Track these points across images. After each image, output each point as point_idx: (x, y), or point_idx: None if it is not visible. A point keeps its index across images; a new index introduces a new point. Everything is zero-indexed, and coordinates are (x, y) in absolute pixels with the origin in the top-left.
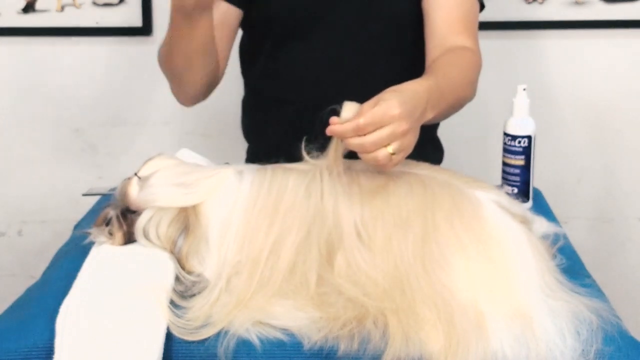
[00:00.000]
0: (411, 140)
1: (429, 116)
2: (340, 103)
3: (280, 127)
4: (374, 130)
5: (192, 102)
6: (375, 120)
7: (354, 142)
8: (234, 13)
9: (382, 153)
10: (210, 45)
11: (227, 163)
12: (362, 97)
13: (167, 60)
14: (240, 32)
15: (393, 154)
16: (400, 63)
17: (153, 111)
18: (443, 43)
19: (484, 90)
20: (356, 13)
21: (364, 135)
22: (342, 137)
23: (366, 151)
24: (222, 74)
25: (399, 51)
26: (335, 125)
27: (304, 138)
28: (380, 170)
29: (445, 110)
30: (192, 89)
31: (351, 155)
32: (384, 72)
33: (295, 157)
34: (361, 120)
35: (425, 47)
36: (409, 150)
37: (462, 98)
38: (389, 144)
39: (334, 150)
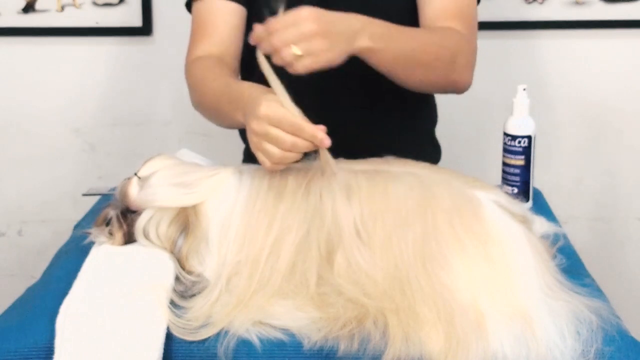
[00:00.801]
0: (322, 44)
1: (362, 42)
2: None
3: None
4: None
5: None
6: (284, 20)
7: (266, 45)
8: (241, 12)
9: (286, 51)
10: None
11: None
12: (360, 93)
13: (201, 104)
14: None
15: (300, 55)
16: None
17: (153, 111)
18: (431, 25)
19: (484, 90)
20: (354, 10)
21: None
22: (259, 41)
23: (274, 49)
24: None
25: None
26: (252, 35)
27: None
28: (293, 72)
29: (399, 55)
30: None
31: (348, 155)
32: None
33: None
34: (273, 22)
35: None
36: (321, 56)
37: (434, 59)
38: (296, 43)
39: (323, 152)
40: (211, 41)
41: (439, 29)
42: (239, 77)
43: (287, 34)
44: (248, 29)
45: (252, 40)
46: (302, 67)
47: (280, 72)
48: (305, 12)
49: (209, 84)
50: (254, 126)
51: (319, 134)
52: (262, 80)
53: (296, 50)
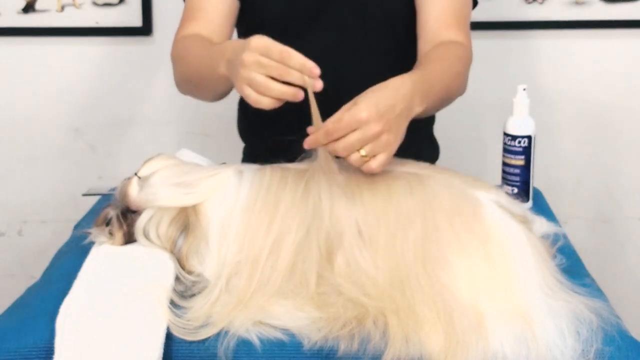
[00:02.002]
0: (388, 140)
1: (417, 110)
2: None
3: (276, 127)
4: (345, 135)
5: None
6: (343, 125)
7: (329, 149)
8: (233, 3)
9: (354, 156)
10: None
11: (223, 163)
12: (359, 88)
13: (184, 79)
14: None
15: (365, 156)
16: (395, 60)
17: (153, 111)
18: (434, 38)
19: (484, 90)
20: (352, 11)
21: (337, 139)
22: (317, 145)
23: (340, 155)
24: None
25: (394, 48)
26: (309, 136)
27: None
28: (368, 172)
29: (435, 102)
30: (212, 98)
31: None
32: (380, 69)
33: (293, 157)
34: (330, 126)
35: (417, 43)
36: (389, 150)
37: (452, 90)
38: (360, 148)
39: (323, 152)
40: (200, 24)
41: (450, 52)
42: None
43: (350, 141)
44: (242, 29)
45: (307, 145)
46: (377, 165)
47: None
48: (364, 113)
49: (191, 50)
50: (244, 57)
51: (309, 62)
52: None
53: (362, 152)
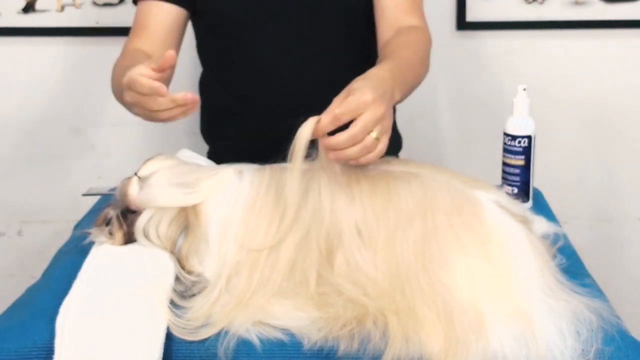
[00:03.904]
0: (389, 123)
1: (397, 98)
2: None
3: (241, 126)
4: (351, 120)
5: None
6: (351, 107)
7: (343, 138)
8: (179, 13)
9: (369, 139)
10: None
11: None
12: (320, 85)
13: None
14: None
15: (377, 138)
16: (354, 48)
17: None
18: (393, 24)
19: (484, 90)
20: (310, 9)
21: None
22: (323, 132)
23: (357, 140)
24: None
25: (352, 37)
26: (315, 126)
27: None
28: (370, 159)
29: (408, 89)
30: None
31: None
32: (339, 58)
33: (260, 157)
34: (337, 110)
35: (376, 30)
36: (389, 133)
37: (420, 76)
38: (372, 130)
39: (324, 152)
40: (143, 40)
41: (413, 38)
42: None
43: (366, 121)
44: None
45: (314, 135)
46: (381, 149)
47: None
48: (369, 95)
49: (117, 70)
50: (125, 97)
51: (153, 86)
52: (221, 68)
53: (374, 134)
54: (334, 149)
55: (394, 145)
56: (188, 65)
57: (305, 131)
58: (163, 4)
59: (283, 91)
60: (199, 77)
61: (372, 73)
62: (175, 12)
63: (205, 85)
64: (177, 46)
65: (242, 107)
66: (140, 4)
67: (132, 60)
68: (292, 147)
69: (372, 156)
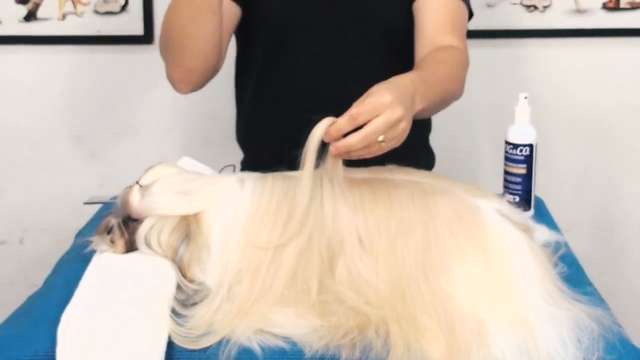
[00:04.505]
0: (405, 128)
1: (418, 107)
2: (337, 110)
3: (277, 133)
4: (368, 120)
5: (189, 86)
6: (368, 108)
7: (355, 139)
8: (234, 10)
9: (376, 145)
10: (215, 5)
11: (232, 165)
12: (357, 98)
13: (169, 27)
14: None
15: (382, 141)
16: (393, 65)
17: (154, 119)
18: (431, 43)
19: (485, 99)
20: (351, 17)
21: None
22: (339, 133)
23: (369, 142)
24: (222, 62)
25: (392, 53)
26: (331, 126)
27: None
28: (358, 157)
29: (433, 103)
30: (192, 61)
31: (350, 163)
32: (378, 74)
33: (294, 165)
34: (354, 110)
35: (414, 48)
36: (402, 138)
37: (450, 92)
38: (384, 133)
39: (332, 157)
40: None
41: (447, 55)
42: (221, 64)
43: (379, 124)
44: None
45: (327, 138)
46: (381, 152)
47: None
48: (388, 98)
49: (176, 8)
50: None
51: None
52: (260, 80)
53: (380, 137)
54: (347, 150)
55: (427, 164)
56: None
57: (318, 131)
58: None
59: (320, 102)
60: (233, 89)
61: (394, 79)
62: (231, 9)
63: (243, 93)
64: (227, 44)
65: (279, 116)
66: None
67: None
68: (305, 147)
69: (366, 153)
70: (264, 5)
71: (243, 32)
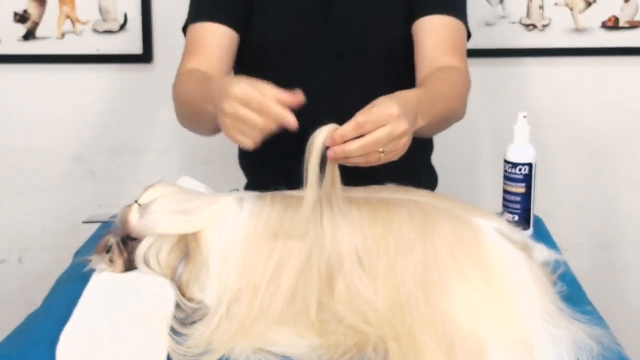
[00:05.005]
0: (406, 142)
1: (420, 124)
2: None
3: (278, 159)
4: (373, 130)
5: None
6: (374, 117)
7: (354, 146)
8: (233, 36)
9: (375, 155)
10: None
11: (236, 189)
12: None
13: (182, 102)
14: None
15: (382, 152)
16: (392, 88)
17: (153, 138)
18: (432, 63)
19: (483, 117)
20: (349, 42)
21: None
22: (342, 139)
23: (368, 150)
24: None
25: (391, 76)
26: (335, 132)
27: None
28: (354, 164)
29: (435, 121)
30: (209, 131)
31: (349, 182)
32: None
33: (293, 185)
34: (360, 118)
35: (415, 70)
36: (401, 153)
37: (452, 112)
38: (387, 144)
39: (331, 176)
40: (200, 59)
41: (449, 75)
42: None
43: (381, 135)
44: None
45: (330, 142)
46: (378, 161)
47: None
48: (395, 109)
49: (187, 88)
50: (225, 106)
51: (285, 115)
52: None
53: (381, 149)
54: (345, 156)
55: (430, 184)
56: None
57: (319, 137)
58: (218, 25)
59: (320, 125)
60: None
61: (398, 93)
62: (229, 34)
63: None
64: (229, 71)
65: (280, 144)
66: (192, 26)
67: (197, 78)
68: (306, 152)
69: (363, 162)
70: (262, 31)
71: (240, 57)
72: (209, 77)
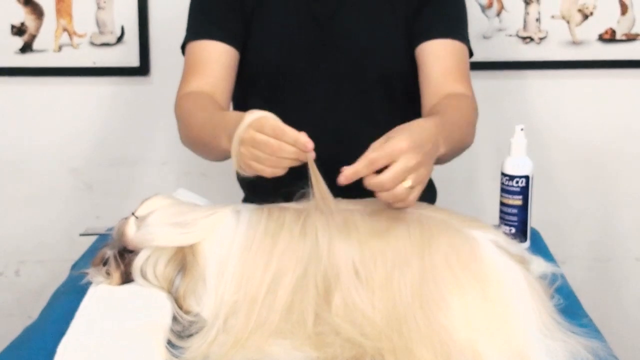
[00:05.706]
0: (425, 173)
1: (442, 150)
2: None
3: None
4: (385, 166)
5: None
6: (385, 153)
7: (373, 182)
8: (233, 54)
9: (400, 188)
10: (225, 106)
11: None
12: (358, 144)
13: (188, 130)
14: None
15: (412, 187)
16: (391, 110)
17: (150, 151)
18: (439, 90)
19: (481, 130)
20: (348, 63)
21: (378, 171)
22: (357, 176)
23: (385, 188)
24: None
25: (390, 98)
26: (346, 169)
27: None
28: (401, 207)
29: (453, 148)
30: (217, 158)
31: (344, 193)
32: (377, 118)
33: (292, 200)
34: (372, 154)
35: (420, 95)
36: (425, 183)
37: (467, 138)
38: (405, 179)
39: (317, 189)
40: (202, 78)
41: (460, 102)
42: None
43: (397, 170)
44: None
45: (344, 179)
46: (413, 199)
47: None
48: (405, 143)
49: (195, 116)
50: (241, 133)
51: (302, 136)
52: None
53: (407, 183)
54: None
55: (429, 198)
56: None
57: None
58: (218, 43)
59: (318, 147)
60: None
61: (416, 122)
62: (230, 53)
63: None
64: (231, 87)
65: None
66: (192, 45)
67: (204, 105)
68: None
69: (402, 205)
70: (261, 51)
71: (238, 75)
72: (219, 106)
